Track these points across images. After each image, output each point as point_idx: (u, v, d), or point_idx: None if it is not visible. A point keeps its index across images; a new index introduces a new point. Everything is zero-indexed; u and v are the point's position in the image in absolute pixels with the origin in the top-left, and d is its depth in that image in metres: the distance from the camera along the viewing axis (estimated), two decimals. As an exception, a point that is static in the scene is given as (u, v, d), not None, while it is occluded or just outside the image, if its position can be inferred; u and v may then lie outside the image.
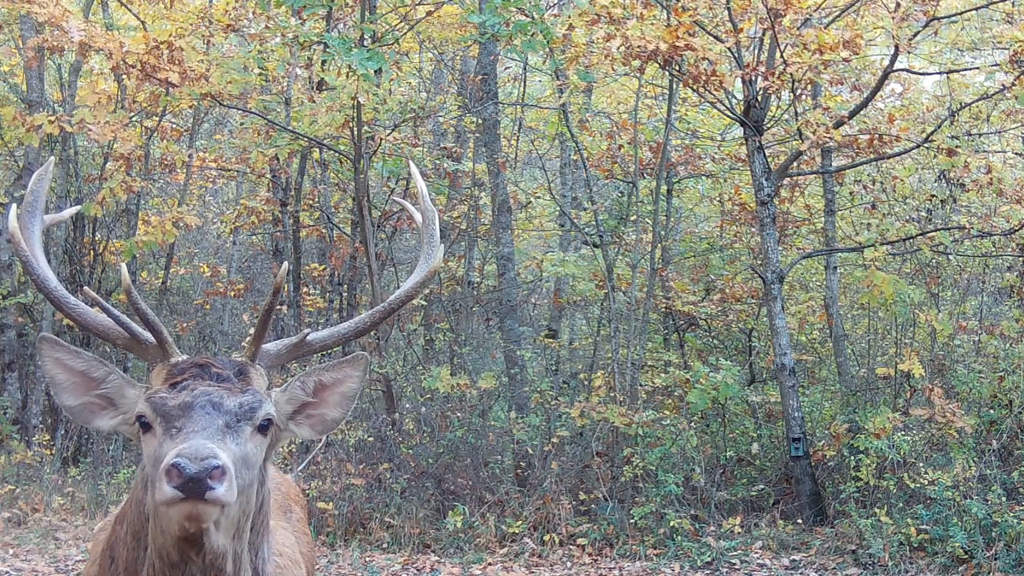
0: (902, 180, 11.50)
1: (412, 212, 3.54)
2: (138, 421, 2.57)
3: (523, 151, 14.80)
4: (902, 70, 9.96)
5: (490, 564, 8.29)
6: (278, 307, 12.53)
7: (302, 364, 8.86)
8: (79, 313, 2.83)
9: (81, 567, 8.22)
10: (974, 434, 8.78)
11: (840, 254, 11.27)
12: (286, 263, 2.97)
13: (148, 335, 2.72)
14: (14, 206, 2.94)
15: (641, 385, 10.76)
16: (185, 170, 13.49)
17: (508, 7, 8.97)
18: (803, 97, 10.39)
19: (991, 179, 10.17)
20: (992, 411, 9.10)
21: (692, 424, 9.64)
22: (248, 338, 2.85)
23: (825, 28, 9.00)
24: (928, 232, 10.08)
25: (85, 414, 2.70)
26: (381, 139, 11.39)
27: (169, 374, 2.62)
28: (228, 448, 2.42)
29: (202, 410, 2.46)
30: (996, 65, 9.37)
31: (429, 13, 11.73)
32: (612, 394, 10.07)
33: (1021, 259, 10.64)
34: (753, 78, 9.06)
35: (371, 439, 9.79)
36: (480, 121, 11.55)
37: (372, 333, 11.51)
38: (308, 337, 2.93)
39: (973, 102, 9.85)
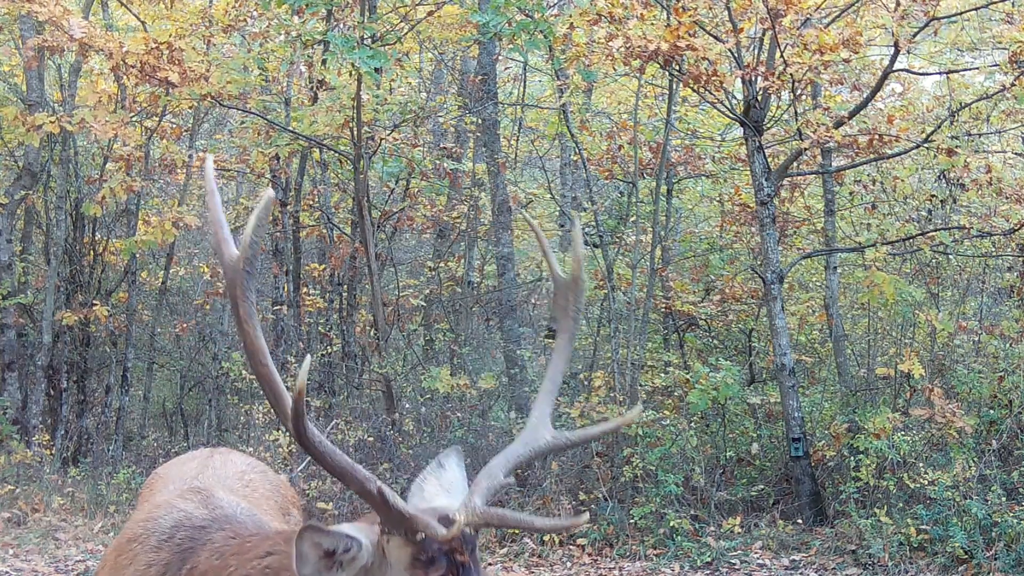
0: (902, 180, 11.50)
1: (554, 270, 3.19)
2: None
3: (523, 151, 14.80)
4: (902, 70, 9.96)
5: (490, 564, 8.29)
6: (277, 307, 12.52)
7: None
8: (322, 452, 2.66)
9: (81, 567, 8.22)
10: (974, 434, 8.77)
11: (840, 254, 11.27)
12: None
13: (403, 508, 2.58)
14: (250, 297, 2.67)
15: (641, 385, 10.75)
16: (185, 170, 13.49)
17: (509, 6, 8.97)
18: (803, 97, 10.39)
19: (991, 179, 10.17)
20: (992, 411, 9.10)
21: (692, 424, 9.64)
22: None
23: (825, 28, 9.00)
24: (928, 232, 10.08)
25: None
26: (381, 139, 11.40)
27: (416, 560, 2.52)
28: None
29: None
30: (996, 65, 9.37)
31: (430, 13, 11.73)
32: (612, 394, 10.07)
33: (1021, 259, 10.63)
34: (753, 78, 9.06)
35: (371, 439, 9.79)
36: (480, 121, 11.55)
37: (372, 333, 11.51)
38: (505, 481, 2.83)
39: (973, 102, 9.84)
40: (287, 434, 9.70)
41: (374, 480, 2.57)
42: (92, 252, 12.89)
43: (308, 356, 2.74)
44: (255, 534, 2.85)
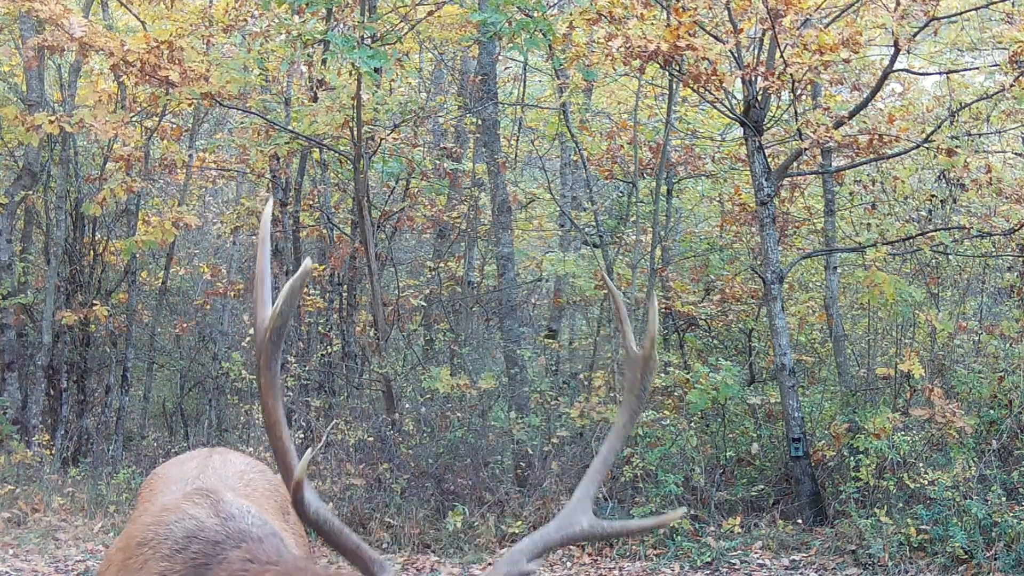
0: (902, 180, 11.50)
1: (629, 344, 3.12)
2: None
3: (523, 151, 14.80)
4: (902, 70, 9.96)
5: (489, 563, 8.29)
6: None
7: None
8: (327, 531, 2.62)
9: (81, 567, 8.22)
10: (974, 434, 8.77)
11: (840, 254, 11.27)
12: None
13: None
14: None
15: (641, 385, 10.72)
16: (185, 170, 13.50)
17: (509, 4, 8.97)
18: (803, 97, 10.39)
19: (991, 179, 10.17)
20: (992, 411, 9.10)
21: (692, 424, 9.64)
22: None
23: (825, 28, 8.99)
24: (928, 232, 10.08)
25: None
26: (381, 139, 11.40)
27: None
28: None
29: None
30: (996, 65, 9.37)
31: (430, 13, 11.73)
32: (612, 394, 10.07)
33: (1021, 259, 10.63)
34: (753, 78, 9.06)
35: (371, 439, 9.79)
36: (480, 121, 11.55)
37: (372, 333, 11.51)
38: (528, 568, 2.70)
39: (973, 102, 9.84)
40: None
41: (380, 563, 2.54)
42: (92, 252, 12.89)
43: (309, 450, 2.65)
44: (272, 562, 2.81)
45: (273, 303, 2.66)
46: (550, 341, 12.34)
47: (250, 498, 3.34)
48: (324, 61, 11.25)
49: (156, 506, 3.22)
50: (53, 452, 11.44)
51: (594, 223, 11.55)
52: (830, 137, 8.84)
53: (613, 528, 2.88)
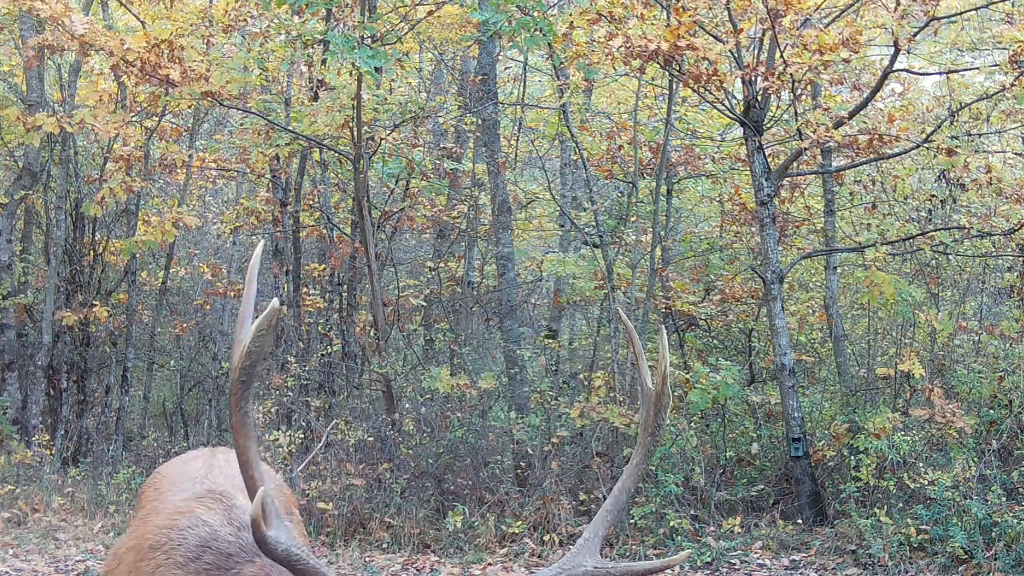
0: (902, 180, 11.50)
1: (644, 379, 3.15)
2: None
3: (523, 151, 14.80)
4: (902, 70, 9.96)
5: (490, 564, 8.29)
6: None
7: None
8: (302, 570, 2.62)
9: (81, 567, 8.22)
10: (974, 434, 8.78)
11: (840, 254, 11.27)
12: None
13: None
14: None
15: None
16: (185, 170, 13.49)
17: (509, 3, 8.97)
18: (803, 97, 10.39)
19: (991, 179, 10.18)
20: (992, 411, 9.10)
21: (692, 424, 9.64)
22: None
23: (825, 28, 9.00)
24: (928, 232, 10.09)
25: None
26: (381, 139, 11.40)
27: None
28: None
29: None
30: (996, 65, 9.37)
31: (430, 13, 11.73)
32: (612, 394, 10.07)
33: (1021, 259, 10.64)
34: (753, 78, 9.06)
35: (371, 439, 9.80)
36: (480, 121, 11.55)
37: (372, 333, 11.51)
38: None
39: (973, 102, 9.85)
40: (287, 433, 9.71)
41: None
42: (92, 252, 12.89)
43: (262, 488, 2.62)
44: None
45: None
46: (550, 341, 12.34)
47: (254, 498, 3.34)
48: (324, 61, 11.25)
49: (168, 507, 3.21)
50: (53, 452, 11.44)
51: (594, 223, 11.55)
52: (830, 137, 8.84)
53: (618, 570, 2.90)
